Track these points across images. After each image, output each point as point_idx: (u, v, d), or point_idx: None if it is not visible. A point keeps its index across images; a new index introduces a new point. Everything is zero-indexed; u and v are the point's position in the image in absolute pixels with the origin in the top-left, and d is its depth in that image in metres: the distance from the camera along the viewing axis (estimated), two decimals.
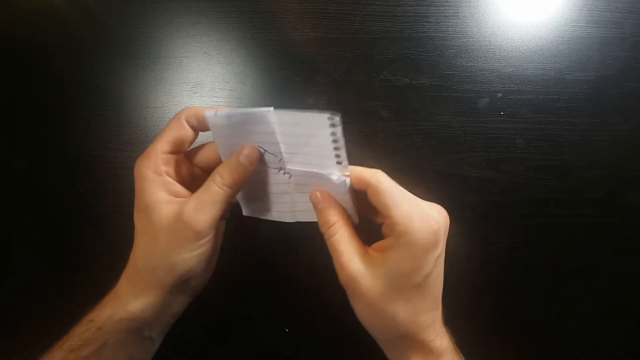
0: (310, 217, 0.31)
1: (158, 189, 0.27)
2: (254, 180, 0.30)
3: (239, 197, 0.32)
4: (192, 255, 0.27)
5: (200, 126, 0.29)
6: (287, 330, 0.39)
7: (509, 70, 0.41)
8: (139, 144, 0.40)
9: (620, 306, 0.40)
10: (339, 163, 0.28)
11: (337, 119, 0.27)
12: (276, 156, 0.30)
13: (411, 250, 0.25)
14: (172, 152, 0.29)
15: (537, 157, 0.40)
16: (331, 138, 0.28)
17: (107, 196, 0.39)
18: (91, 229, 0.39)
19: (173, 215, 0.27)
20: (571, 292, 0.40)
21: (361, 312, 0.27)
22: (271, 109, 0.29)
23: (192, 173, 0.31)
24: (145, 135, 0.40)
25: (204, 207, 0.27)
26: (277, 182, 0.31)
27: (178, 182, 0.29)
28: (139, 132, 0.40)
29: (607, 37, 0.41)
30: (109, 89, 0.40)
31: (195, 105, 0.40)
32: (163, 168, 0.28)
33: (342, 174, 0.28)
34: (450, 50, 0.41)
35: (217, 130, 0.28)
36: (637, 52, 0.41)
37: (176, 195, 0.28)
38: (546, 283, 0.40)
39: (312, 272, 0.39)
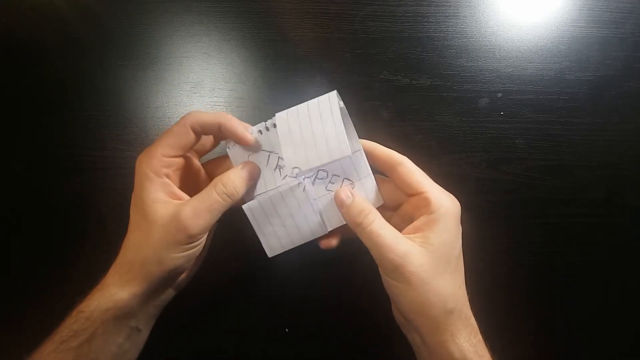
0: (340, 220, 0.31)
1: (156, 188, 0.28)
2: (283, 214, 0.30)
3: (264, 243, 0.31)
4: (181, 255, 0.28)
5: (204, 132, 0.30)
6: (287, 330, 0.39)
7: (509, 70, 0.41)
8: (139, 144, 0.40)
9: (620, 306, 0.40)
10: (350, 139, 0.28)
11: (334, 95, 0.28)
12: (282, 168, 0.30)
13: (449, 222, 0.28)
14: (174, 156, 0.29)
15: (537, 157, 0.40)
16: (332, 118, 0.28)
17: (107, 196, 0.39)
18: (91, 228, 0.39)
19: (168, 215, 0.27)
20: (571, 292, 0.40)
21: (412, 291, 0.27)
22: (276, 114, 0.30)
23: (193, 177, 0.32)
24: (145, 135, 0.40)
25: (200, 213, 0.27)
26: (297, 204, 0.30)
27: (178, 184, 0.30)
28: (139, 132, 0.40)
29: (607, 37, 0.41)
30: (109, 89, 0.40)
31: (194, 104, 0.40)
32: (163, 170, 0.28)
33: (353, 150, 0.28)
34: (450, 50, 0.41)
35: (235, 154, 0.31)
36: (637, 52, 0.41)
37: (173, 196, 0.29)
38: (546, 283, 0.40)
39: (313, 272, 0.39)
